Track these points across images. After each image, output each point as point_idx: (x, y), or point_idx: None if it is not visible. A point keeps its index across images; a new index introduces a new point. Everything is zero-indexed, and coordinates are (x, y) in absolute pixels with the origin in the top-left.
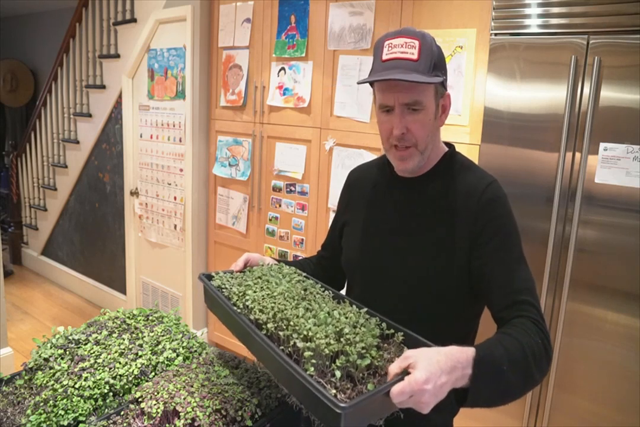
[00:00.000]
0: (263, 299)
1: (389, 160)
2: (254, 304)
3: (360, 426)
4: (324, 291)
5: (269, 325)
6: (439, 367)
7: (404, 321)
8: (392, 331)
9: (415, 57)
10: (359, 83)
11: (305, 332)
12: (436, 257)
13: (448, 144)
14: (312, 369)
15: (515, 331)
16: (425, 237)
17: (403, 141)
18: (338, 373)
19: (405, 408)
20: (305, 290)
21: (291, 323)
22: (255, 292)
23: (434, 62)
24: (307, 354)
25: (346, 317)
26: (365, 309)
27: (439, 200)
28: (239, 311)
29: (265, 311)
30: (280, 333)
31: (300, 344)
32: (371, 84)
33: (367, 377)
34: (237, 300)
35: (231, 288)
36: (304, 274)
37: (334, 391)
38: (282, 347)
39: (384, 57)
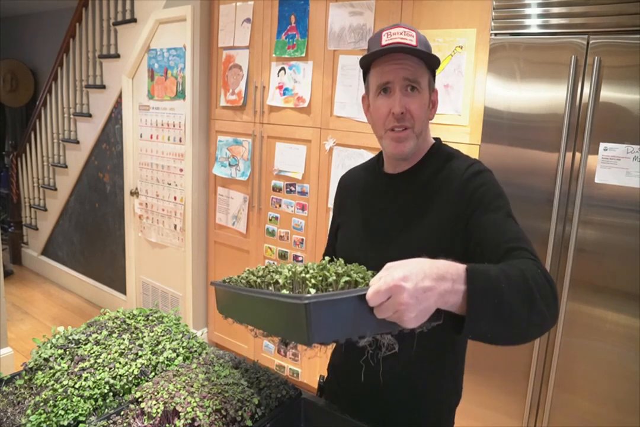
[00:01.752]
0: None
1: (376, 160)
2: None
3: (335, 336)
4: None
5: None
6: (422, 269)
7: None
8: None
9: (414, 43)
10: (361, 60)
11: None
12: (432, 249)
13: (434, 138)
14: (285, 291)
15: (510, 262)
16: (418, 230)
17: (402, 121)
18: (312, 291)
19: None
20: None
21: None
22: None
23: (434, 55)
24: (282, 279)
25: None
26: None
27: (426, 191)
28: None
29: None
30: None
31: (280, 278)
32: (365, 75)
33: None
34: (257, 278)
35: (248, 277)
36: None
37: None
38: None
39: (384, 42)
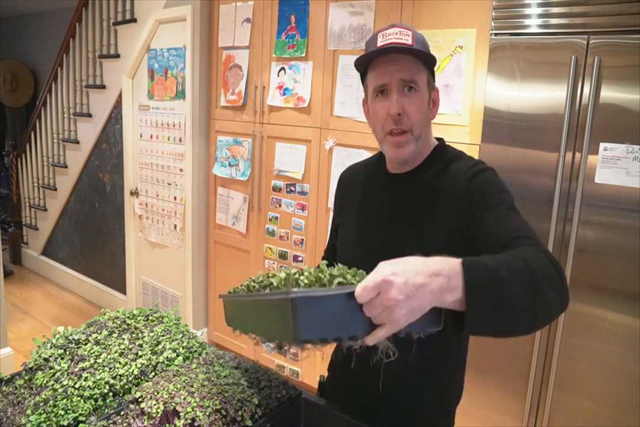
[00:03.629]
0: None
1: (379, 158)
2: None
3: (323, 333)
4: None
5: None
6: (414, 266)
7: None
8: None
9: (410, 42)
10: (356, 62)
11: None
12: (434, 250)
13: (438, 139)
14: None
15: (511, 251)
16: (419, 231)
17: (399, 124)
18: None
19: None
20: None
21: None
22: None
23: (426, 51)
24: (276, 281)
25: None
26: None
27: (429, 191)
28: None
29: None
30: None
31: (274, 281)
32: (362, 77)
33: None
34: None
35: (248, 284)
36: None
37: None
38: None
39: (379, 44)
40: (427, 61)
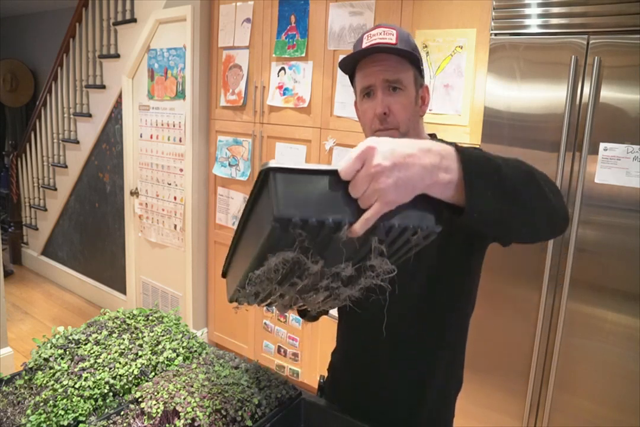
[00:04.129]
0: None
1: None
2: None
3: (305, 212)
4: None
5: None
6: (400, 141)
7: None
8: None
9: (394, 41)
10: (341, 65)
11: None
12: (429, 243)
13: (430, 135)
14: None
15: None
16: None
17: (385, 123)
18: None
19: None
20: None
21: None
22: None
23: (412, 49)
24: None
25: None
26: None
27: None
28: None
29: None
30: None
31: None
32: (351, 80)
33: None
34: None
35: None
36: None
37: None
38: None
39: (364, 45)
40: (412, 59)
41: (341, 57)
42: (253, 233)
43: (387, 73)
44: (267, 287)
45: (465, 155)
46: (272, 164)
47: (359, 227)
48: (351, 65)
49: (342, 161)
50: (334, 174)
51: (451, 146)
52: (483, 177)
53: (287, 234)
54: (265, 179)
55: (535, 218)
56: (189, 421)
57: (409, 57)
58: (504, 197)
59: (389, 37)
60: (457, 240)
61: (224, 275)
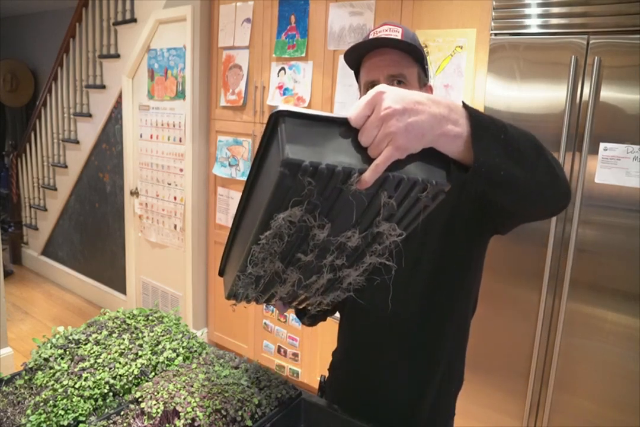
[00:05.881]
0: None
1: None
2: None
3: (314, 156)
4: None
5: None
6: (410, 91)
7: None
8: None
9: (399, 37)
10: (347, 57)
11: None
12: (432, 239)
13: None
14: None
15: None
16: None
17: None
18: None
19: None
20: None
21: None
22: None
23: (417, 46)
24: None
25: None
26: None
27: None
28: None
29: None
30: None
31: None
32: (356, 75)
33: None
34: None
35: None
36: None
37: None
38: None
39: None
40: (417, 56)
41: (341, 57)
42: (261, 188)
43: (392, 68)
44: (269, 267)
45: (473, 111)
46: (282, 107)
47: (369, 175)
48: (356, 59)
49: (351, 108)
50: (344, 122)
51: (459, 104)
52: (490, 133)
53: (296, 182)
54: (275, 123)
55: (540, 183)
56: (189, 421)
57: (413, 52)
58: (510, 156)
59: (394, 33)
60: (459, 226)
61: (221, 273)
